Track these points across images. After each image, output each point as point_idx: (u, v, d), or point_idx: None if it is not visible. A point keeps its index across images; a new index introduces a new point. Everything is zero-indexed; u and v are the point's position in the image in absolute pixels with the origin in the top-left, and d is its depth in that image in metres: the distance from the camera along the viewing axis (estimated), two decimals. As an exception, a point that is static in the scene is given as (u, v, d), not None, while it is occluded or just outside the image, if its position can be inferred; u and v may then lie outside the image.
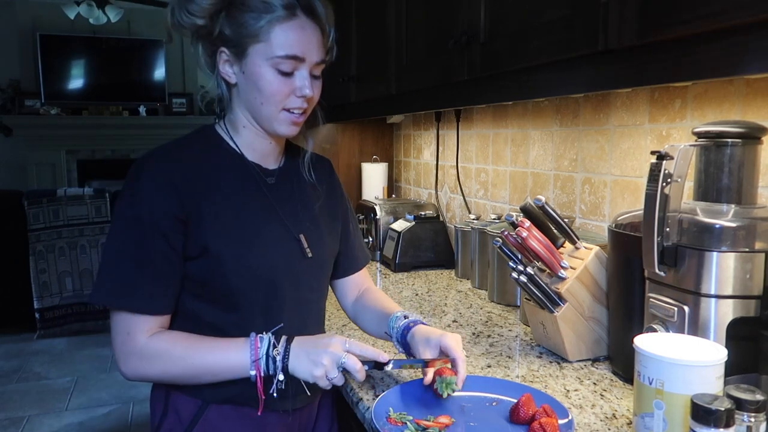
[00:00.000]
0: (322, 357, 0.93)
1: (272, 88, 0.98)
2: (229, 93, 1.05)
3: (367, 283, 1.29)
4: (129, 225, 0.96)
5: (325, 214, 1.16)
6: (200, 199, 0.99)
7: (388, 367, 0.99)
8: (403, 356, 1.11)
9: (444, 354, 1.02)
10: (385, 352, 0.99)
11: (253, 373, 0.95)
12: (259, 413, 0.99)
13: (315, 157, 1.18)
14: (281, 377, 0.95)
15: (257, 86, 0.99)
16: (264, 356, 0.95)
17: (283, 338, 0.97)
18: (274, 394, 0.96)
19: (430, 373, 1.00)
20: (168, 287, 0.98)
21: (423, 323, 1.11)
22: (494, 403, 1.02)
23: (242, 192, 1.04)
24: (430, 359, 1.01)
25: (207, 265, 0.99)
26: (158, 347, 0.97)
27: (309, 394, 1.08)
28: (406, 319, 1.11)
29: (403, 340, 1.09)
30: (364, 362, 0.96)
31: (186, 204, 0.97)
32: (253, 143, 1.07)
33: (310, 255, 1.08)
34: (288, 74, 0.98)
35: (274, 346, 0.96)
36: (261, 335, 0.97)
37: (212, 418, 1.03)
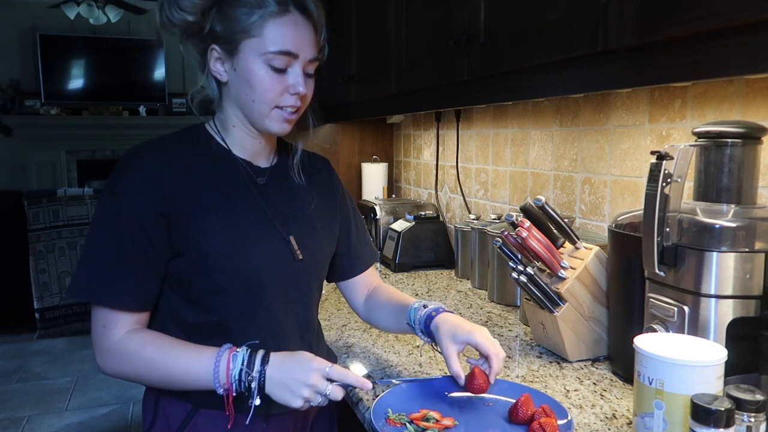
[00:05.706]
0: (302, 390, 0.90)
1: (265, 85, 0.97)
2: (220, 92, 1.04)
3: (375, 281, 1.27)
4: (109, 218, 0.96)
5: (320, 216, 1.14)
6: (185, 195, 0.97)
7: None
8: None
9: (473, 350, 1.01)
10: (369, 379, 0.96)
11: (221, 391, 0.92)
12: (228, 426, 0.97)
13: (308, 158, 1.16)
14: (257, 402, 0.91)
15: (249, 83, 0.98)
16: (236, 380, 0.91)
17: (258, 358, 0.92)
18: (249, 414, 0.93)
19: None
20: (146, 283, 0.97)
21: (446, 310, 1.09)
22: (490, 404, 1.02)
23: (230, 191, 1.03)
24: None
25: (191, 263, 0.98)
26: (129, 346, 0.95)
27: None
28: (426, 309, 1.09)
29: (428, 330, 1.07)
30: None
31: (169, 199, 0.96)
32: (244, 142, 1.06)
33: (300, 257, 1.06)
34: (281, 71, 0.98)
35: (248, 371, 0.91)
36: (235, 352, 0.93)
37: (200, 423, 1.02)
